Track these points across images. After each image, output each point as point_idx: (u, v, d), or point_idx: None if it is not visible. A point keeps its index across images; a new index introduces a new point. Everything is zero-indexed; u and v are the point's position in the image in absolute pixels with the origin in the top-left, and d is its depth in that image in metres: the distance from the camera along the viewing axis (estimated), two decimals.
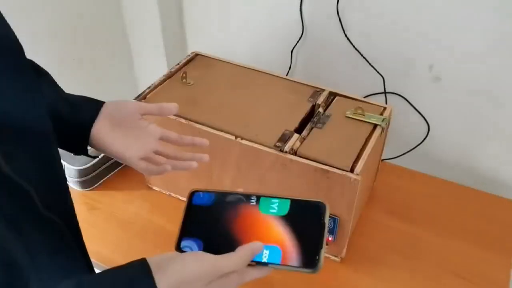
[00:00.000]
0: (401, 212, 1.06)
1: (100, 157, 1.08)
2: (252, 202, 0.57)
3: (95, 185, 1.11)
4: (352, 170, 0.81)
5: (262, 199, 0.57)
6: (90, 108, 0.68)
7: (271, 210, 0.56)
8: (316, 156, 0.84)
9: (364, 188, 0.93)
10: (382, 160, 1.10)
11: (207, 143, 0.71)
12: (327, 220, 0.53)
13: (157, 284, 0.47)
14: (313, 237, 0.52)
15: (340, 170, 0.81)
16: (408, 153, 1.22)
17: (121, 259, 0.97)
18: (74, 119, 0.67)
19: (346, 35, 1.15)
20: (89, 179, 1.08)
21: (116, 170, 1.14)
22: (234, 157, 0.91)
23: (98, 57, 1.41)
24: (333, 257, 0.96)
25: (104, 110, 0.68)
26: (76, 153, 0.70)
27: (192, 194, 0.60)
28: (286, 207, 0.55)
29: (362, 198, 0.97)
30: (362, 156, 0.84)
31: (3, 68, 0.48)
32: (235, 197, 0.58)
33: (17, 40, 0.51)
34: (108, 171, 1.12)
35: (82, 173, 1.06)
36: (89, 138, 0.67)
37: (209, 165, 0.96)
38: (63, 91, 0.71)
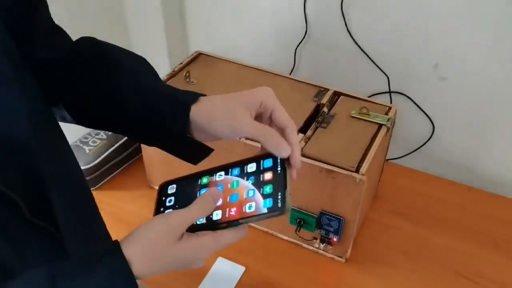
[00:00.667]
0: (406, 213, 1.06)
1: (102, 157, 1.08)
2: (218, 173, 0.58)
3: (98, 185, 1.10)
4: (357, 170, 0.81)
5: (225, 168, 0.58)
6: (178, 123, 0.57)
7: (236, 173, 0.57)
8: (321, 156, 0.83)
9: (368, 188, 0.92)
10: (387, 160, 1.09)
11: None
12: (287, 165, 0.54)
13: (125, 251, 0.46)
14: (278, 182, 0.53)
15: (345, 171, 0.81)
16: (413, 153, 1.21)
17: None
18: (169, 134, 0.58)
19: (350, 34, 1.15)
20: (91, 179, 1.08)
21: (118, 170, 1.13)
22: (237, 158, 0.90)
23: None
24: (337, 258, 0.95)
25: (192, 125, 0.57)
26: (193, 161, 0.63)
27: (161, 187, 0.60)
28: (249, 167, 0.56)
29: (366, 199, 0.96)
30: (368, 156, 0.83)
31: None
32: (201, 175, 0.59)
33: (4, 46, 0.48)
34: (110, 171, 1.11)
35: (84, 173, 1.06)
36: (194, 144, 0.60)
37: (211, 166, 0.95)
38: (149, 86, 0.59)
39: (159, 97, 0.58)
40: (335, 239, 0.91)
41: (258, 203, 0.52)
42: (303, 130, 0.90)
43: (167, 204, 0.58)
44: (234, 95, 0.59)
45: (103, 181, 1.11)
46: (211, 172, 0.58)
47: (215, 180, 0.57)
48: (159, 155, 1.03)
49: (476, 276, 0.93)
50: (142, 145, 1.05)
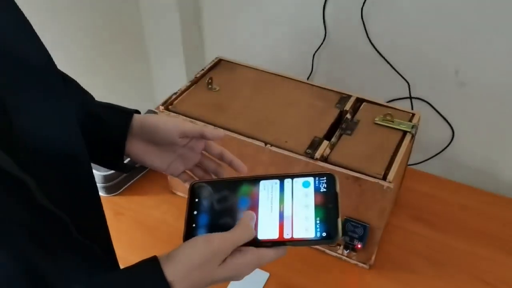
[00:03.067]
0: (427, 218, 1.06)
1: (125, 162, 1.08)
2: (257, 184, 0.55)
3: (120, 190, 1.11)
4: (384, 178, 0.81)
5: (269, 178, 0.55)
6: (119, 127, 0.63)
7: (281, 188, 0.54)
8: (347, 163, 0.84)
9: (392, 195, 0.93)
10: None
11: (245, 169, 0.64)
12: (339, 189, 0.52)
13: (166, 274, 0.46)
14: (328, 208, 0.51)
15: (372, 178, 0.81)
16: (432, 159, 1.22)
17: None
18: (104, 140, 0.63)
19: (370, 40, 1.15)
20: (114, 185, 1.08)
21: (140, 175, 1.14)
22: (263, 164, 0.91)
23: (116, 62, 1.41)
24: (361, 264, 0.95)
25: (136, 130, 0.63)
26: (113, 169, 0.67)
27: (193, 187, 0.58)
28: (296, 184, 0.54)
29: (390, 206, 0.97)
30: (394, 164, 0.83)
31: (35, 88, 0.47)
32: (239, 182, 0.56)
33: (50, 58, 0.50)
34: (132, 176, 1.12)
35: (107, 179, 1.06)
36: (124, 154, 0.64)
37: (235, 173, 0.96)
38: (89, 100, 0.66)
39: (103, 108, 0.65)
40: (359, 246, 0.91)
41: (309, 228, 0.50)
42: (327, 137, 0.90)
43: (201, 207, 0.56)
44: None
45: (125, 187, 1.12)
46: (252, 180, 0.55)
47: (257, 191, 0.54)
48: None
49: (500, 283, 0.93)
50: None
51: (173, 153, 0.66)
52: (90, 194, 0.55)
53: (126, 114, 0.64)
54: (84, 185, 0.53)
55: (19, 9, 0.47)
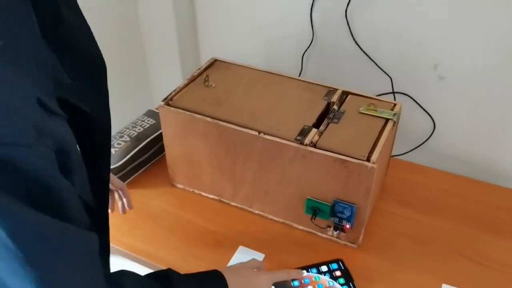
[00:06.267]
0: (411, 202, 1.13)
1: (126, 158, 1.15)
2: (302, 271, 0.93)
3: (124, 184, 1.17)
4: (368, 159, 0.89)
5: (306, 268, 0.93)
6: None
7: (314, 272, 0.96)
8: (334, 147, 0.91)
9: (377, 178, 1.00)
10: (391, 156, 1.17)
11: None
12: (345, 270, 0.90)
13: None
14: (346, 276, 0.92)
15: (357, 160, 0.88)
16: (415, 149, 1.30)
17: (151, 249, 1.04)
18: None
19: (354, 39, 1.23)
20: (118, 178, 1.15)
21: (141, 170, 1.21)
22: (257, 152, 0.98)
23: (114, 64, 1.47)
24: (350, 244, 1.02)
25: None
26: None
27: None
28: (322, 268, 0.95)
29: (376, 188, 1.04)
30: (377, 147, 0.91)
31: (97, 83, 0.65)
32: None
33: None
34: (135, 170, 1.19)
35: (112, 172, 1.13)
36: None
37: (232, 161, 1.03)
38: None
39: None
40: (348, 226, 0.98)
41: None
42: (316, 125, 0.98)
43: None
44: None
45: (128, 180, 1.18)
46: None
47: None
48: (182, 155, 1.10)
49: (479, 257, 1.00)
50: (165, 145, 1.13)
51: None
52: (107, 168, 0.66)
53: None
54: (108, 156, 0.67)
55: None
